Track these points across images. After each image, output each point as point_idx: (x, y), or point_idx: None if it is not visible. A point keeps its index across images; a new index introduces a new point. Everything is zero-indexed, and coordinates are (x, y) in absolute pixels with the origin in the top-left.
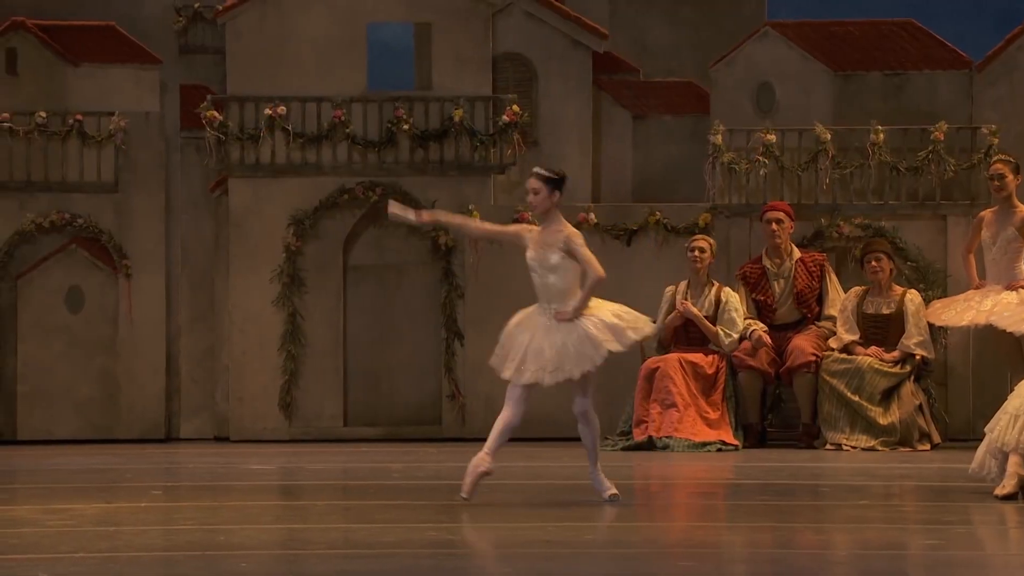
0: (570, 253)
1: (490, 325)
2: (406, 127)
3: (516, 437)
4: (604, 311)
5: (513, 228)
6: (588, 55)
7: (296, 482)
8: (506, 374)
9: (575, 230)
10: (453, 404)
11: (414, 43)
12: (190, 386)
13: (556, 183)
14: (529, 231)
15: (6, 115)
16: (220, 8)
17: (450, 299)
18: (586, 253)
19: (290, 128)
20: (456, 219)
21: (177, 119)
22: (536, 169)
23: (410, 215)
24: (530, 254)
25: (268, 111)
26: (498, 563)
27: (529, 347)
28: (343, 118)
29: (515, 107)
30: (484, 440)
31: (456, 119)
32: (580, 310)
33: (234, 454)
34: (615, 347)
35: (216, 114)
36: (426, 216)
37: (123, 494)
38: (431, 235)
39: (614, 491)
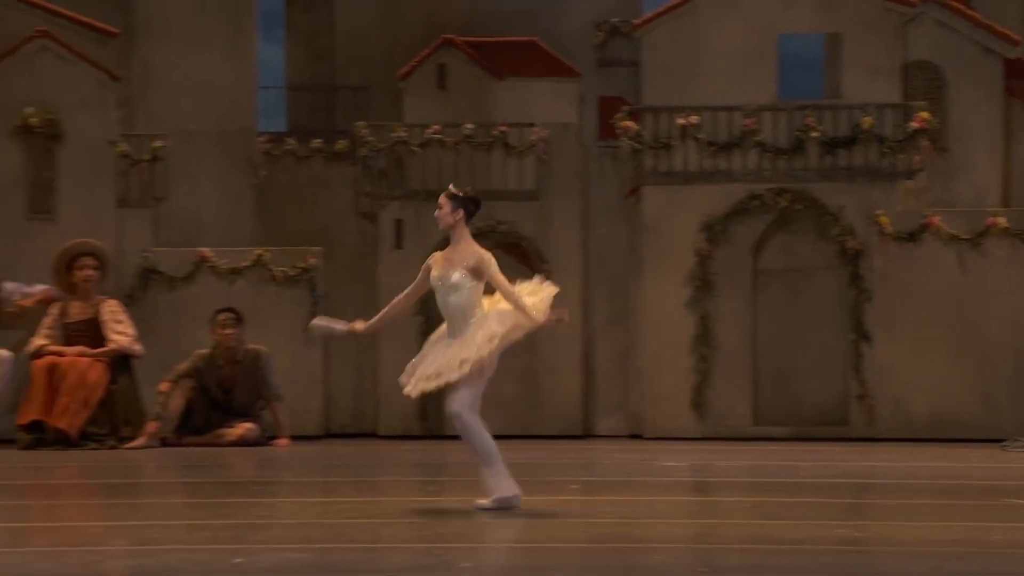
0: (480, 274)
1: (898, 327)
2: (815, 134)
3: (923, 437)
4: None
5: (421, 274)
6: (999, 62)
7: (707, 479)
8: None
9: (488, 253)
10: (861, 405)
11: (824, 53)
12: (606, 385)
13: (461, 202)
14: (431, 259)
15: (436, 127)
16: (637, 22)
17: (858, 302)
18: (501, 277)
19: (702, 137)
20: (384, 314)
21: (595, 129)
22: (449, 186)
23: (338, 326)
24: (434, 274)
25: (681, 121)
26: (905, 561)
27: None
28: (754, 126)
29: (925, 114)
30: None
31: (865, 126)
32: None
33: (648, 451)
34: (491, 347)
35: (631, 124)
36: (359, 327)
37: (544, 488)
38: (838, 239)
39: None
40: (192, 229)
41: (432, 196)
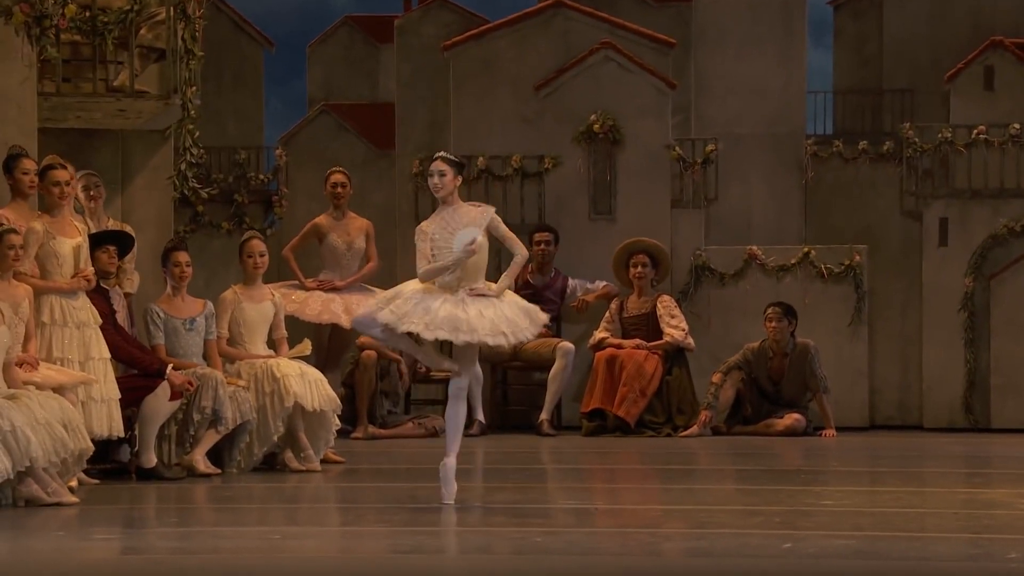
0: (494, 231)
1: None
2: None
3: None
4: (513, 298)
5: (422, 245)
6: None
7: None
8: (426, 333)
9: (491, 207)
10: None
11: None
12: None
13: (458, 167)
14: (427, 225)
15: (982, 128)
16: None
17: None
18: (509, 231)
19: None
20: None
21: None
22: (441, 153)
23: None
24: (438, 238)
25: None
26: None
27: (446, 313)
28: None
29: None
30: None
31: None
32: (504, 288)
33: None
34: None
35: None
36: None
37: None
38: None
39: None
40: (741, 228)
41: (977, 195)
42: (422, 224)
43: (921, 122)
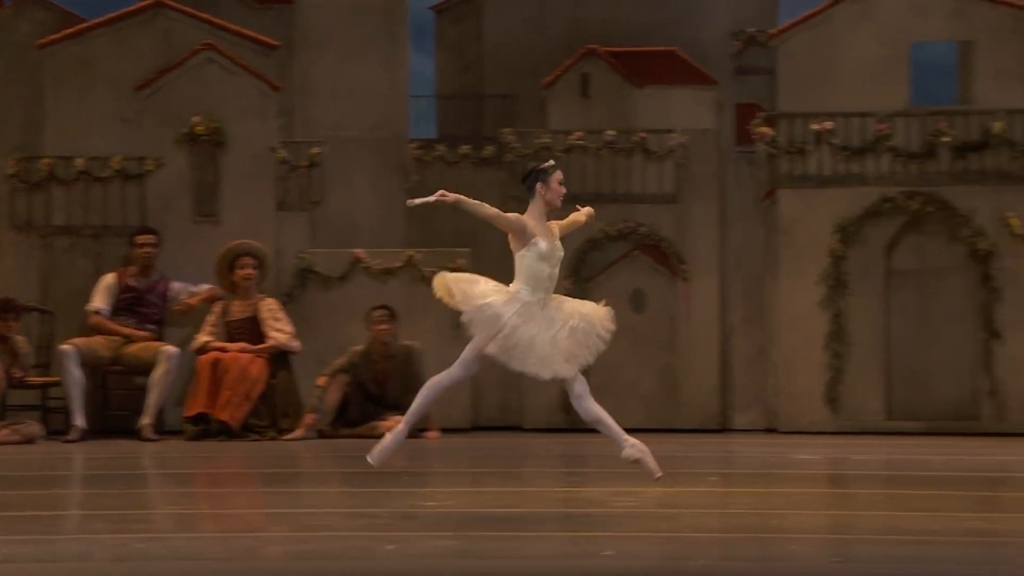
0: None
1: None
2: (947, 139)
3: None
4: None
5: (513, 216)
6: None
7: (841, 472)
8: (547, 374)
9: None
10: (992, 401)
11: (957, 60)
12: (743, 381)
13: None
14: (530, 222)
15: (579, 133)
16: (773, 32)
17: (989, 302)
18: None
19: (836, 142)
20: (473, 204)
21: (732, 135)
22: (554, 162)
23: (429, 198)
24: (545, 246)
25: (815, 126)
26: None
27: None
28: (887, 132)
29: None
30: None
31: (996, 131)
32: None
33: (783, 444)
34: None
35: (767, 130)
36: (450, 197)
37: (683, 479)
38: (969, 241)
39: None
40: (347, 231)
41: (577, 199)
42: (526, 218)
43: (521, 127)
